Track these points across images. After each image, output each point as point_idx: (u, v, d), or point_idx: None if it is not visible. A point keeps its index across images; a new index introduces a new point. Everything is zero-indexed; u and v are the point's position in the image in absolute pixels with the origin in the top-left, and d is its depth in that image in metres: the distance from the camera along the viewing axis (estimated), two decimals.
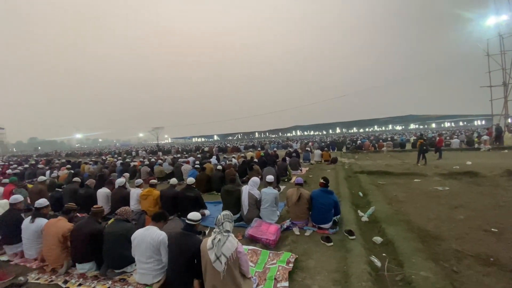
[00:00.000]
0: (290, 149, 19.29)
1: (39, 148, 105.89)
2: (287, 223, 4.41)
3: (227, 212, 2.55)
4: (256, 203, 4.66)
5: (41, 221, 3.58)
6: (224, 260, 2.25)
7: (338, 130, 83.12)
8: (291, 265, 3.07)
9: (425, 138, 11.41)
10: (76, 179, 6.67)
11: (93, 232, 3.20)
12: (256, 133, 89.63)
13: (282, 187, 7.57)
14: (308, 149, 18.56)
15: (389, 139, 25.21)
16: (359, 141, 23.14)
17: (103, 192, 5.76)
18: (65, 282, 3.03)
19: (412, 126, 78.53)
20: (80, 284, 2.96)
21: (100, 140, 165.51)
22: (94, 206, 3.48)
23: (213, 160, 12.60)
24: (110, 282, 2.94)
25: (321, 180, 4.41)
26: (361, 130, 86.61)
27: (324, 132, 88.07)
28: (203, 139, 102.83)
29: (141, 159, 15.83)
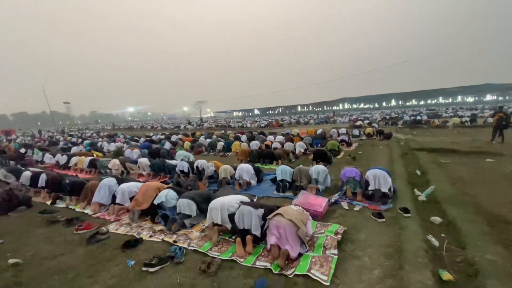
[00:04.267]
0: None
1: (99, 120, 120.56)
2: (335, 197, 4.49)
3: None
4: None
5: None
6: None
7: (393, 102, 76.00)
8: (339, 236, 3.19)
9: (504, 111, 9.82)
10: None
11: None
12: (299, 107, 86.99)
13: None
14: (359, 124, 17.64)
15: (451, 114, 22.59)
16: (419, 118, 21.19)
17: None
18: (138, 234, 3.67)
19: (489, 97, 67.48)
20: (151, 236, 3.57)
21: (149, 113, 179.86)
22: None
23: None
24: (175, 236, 3.49)
25: None
26: (422, 103, 77.82)
27: (376, 105, 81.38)
28: (240, 113, 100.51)
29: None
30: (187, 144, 12.21)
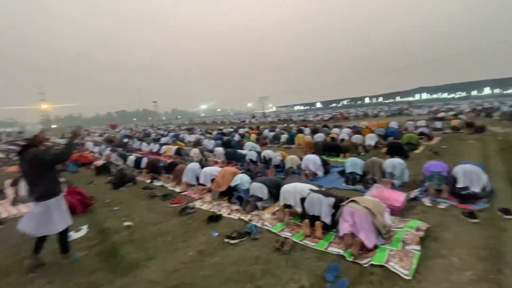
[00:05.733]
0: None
1: (178, 117, 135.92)
2: (415, 192, 4.04)
3: None
4: None
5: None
6: None
7: (486, 91, 61.90)
8: (421, 232, 2.88)
9: None
10: None
11: None
12: (366, 99, 79.11)
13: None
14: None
15: None
16: None
17: None
18: (219, 210, 4.09)
19: None
20: (229, 213, 3.93)
21: (218, 110, 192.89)
22: None
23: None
24: (249, 216, 3.75)
25: None
26: None
27: (464, 94, 67.81)
28: (301, 107, 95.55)
29: None
30: (253, 136, 12.75)
